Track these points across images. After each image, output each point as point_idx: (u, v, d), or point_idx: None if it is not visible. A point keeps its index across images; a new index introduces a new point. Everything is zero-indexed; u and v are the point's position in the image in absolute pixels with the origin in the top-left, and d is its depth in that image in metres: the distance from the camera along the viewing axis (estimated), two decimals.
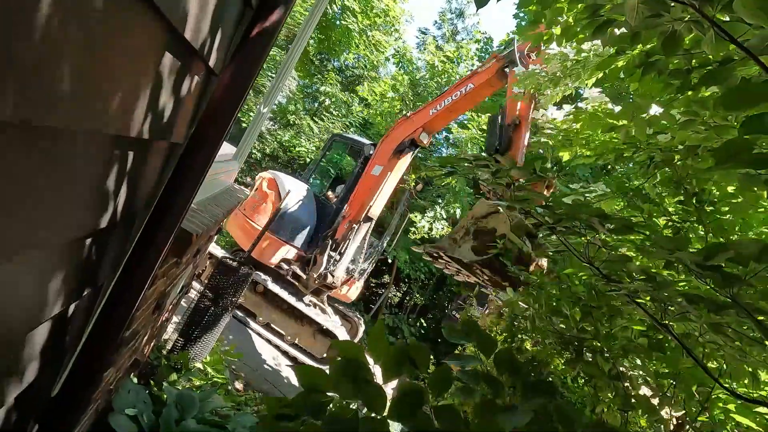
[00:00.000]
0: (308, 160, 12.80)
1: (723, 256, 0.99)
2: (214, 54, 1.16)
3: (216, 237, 4.80)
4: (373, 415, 0.84)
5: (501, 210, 2.62)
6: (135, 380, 2.33)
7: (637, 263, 1.56)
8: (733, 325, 1.13)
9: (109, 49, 0.69)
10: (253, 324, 5.79)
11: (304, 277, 5.85)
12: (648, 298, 1.40)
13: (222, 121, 1.31)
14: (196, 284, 4.57)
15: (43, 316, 0.95)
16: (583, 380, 3.24)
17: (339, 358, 0.87)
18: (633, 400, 1.90)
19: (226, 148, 3.10)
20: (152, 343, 2.86)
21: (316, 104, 15.32)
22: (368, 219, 5.99)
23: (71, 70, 0.62)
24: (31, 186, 0.68)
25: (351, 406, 0.90)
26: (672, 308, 1.36)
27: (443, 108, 5.16)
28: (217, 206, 2.19)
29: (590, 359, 2.74)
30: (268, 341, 5.67)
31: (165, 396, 2.33)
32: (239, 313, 5.75)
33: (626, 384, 2.42)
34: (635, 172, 3.34)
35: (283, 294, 5.77)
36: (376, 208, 6.00)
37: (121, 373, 1.97)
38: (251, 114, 11.76)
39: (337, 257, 5.75)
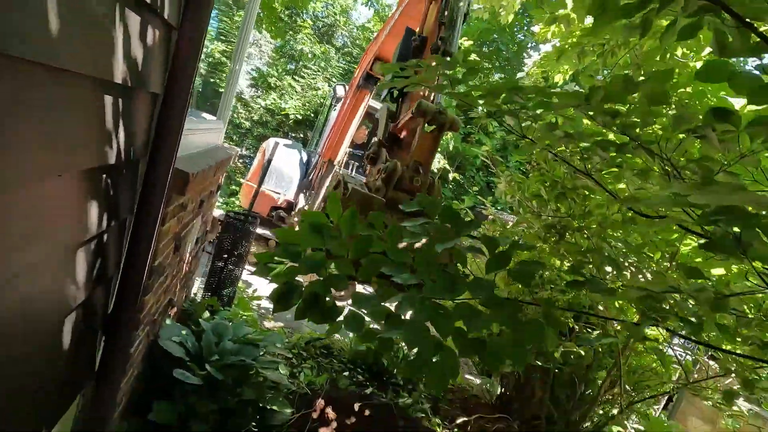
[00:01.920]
0: (299, 117, 12.83)
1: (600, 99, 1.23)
2: (167, 9, 1.38)
3: (225, 206, 5.09)
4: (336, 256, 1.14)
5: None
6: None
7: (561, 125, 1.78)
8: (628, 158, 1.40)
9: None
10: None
11: (288, 218, 6.38)
12: (571, 148, 1.65)
13: (188, 71, 1.54)
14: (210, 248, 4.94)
15: (84, 236, 1.24)
16: (567, 262, 3.59)
17: (306, 221, 1.16)
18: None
19: (210, 119, 3.31)
20: (184, 292, 3.26)
21: (294, 65, 15.08)
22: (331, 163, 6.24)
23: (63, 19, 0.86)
24: (52, 121, 0.94)
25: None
26: (593, 158, 1.62)
27: (388, 33, 5.04)
28: (208, 158, 2.45)
29: (572, 241, 3.06)
30: None
31: (202, 328, 2.73)
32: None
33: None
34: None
35: None
36: (341, 148, 6.23)
37: (160, 307, 2.34)
38: (224, 74, 11.69)
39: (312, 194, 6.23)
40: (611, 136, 1.58)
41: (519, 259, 1.63)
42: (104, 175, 1.30)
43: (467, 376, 5.28)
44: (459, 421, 3.65)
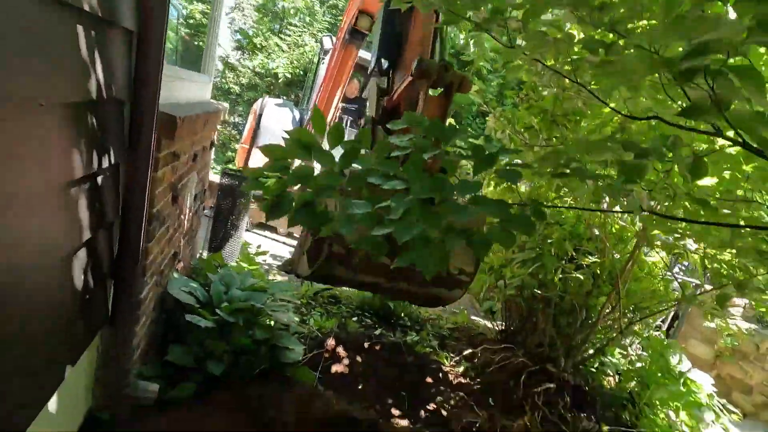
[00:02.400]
0: (288, 77, 12.51)
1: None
2: None
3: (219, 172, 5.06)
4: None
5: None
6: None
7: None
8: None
9: None
10: (276, 236, 6.36)
11: None
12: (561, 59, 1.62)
13: (160, 10, 1.50)
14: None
15: (76, 174, 1.26)
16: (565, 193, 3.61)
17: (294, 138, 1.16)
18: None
19: (194, 73, 3.23)
20: (189, 250, 3.32)
21: (279, 24, 14.51)
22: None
23: None
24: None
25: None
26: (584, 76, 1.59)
27: None
28: (196, 108, 2.42)
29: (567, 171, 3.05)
30: (294, 248, 6.27)
31: (210, 279, 2.81)
32: (261, 231, 6.29)
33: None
34: None
35: None
36: (332, 105, 6.10)
37: (166, 258, 2.40)
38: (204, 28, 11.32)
39: None
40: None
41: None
42: (89, 113, 1.29)
43: (473, 318, 5.45)
44: (466, 353, 3.81)
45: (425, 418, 2.87)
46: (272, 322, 2.67)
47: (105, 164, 1.45)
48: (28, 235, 1.09)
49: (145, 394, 1.93)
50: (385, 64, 2.53)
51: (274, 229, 6.46)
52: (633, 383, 3.84)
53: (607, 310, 3.50)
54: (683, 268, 5.73)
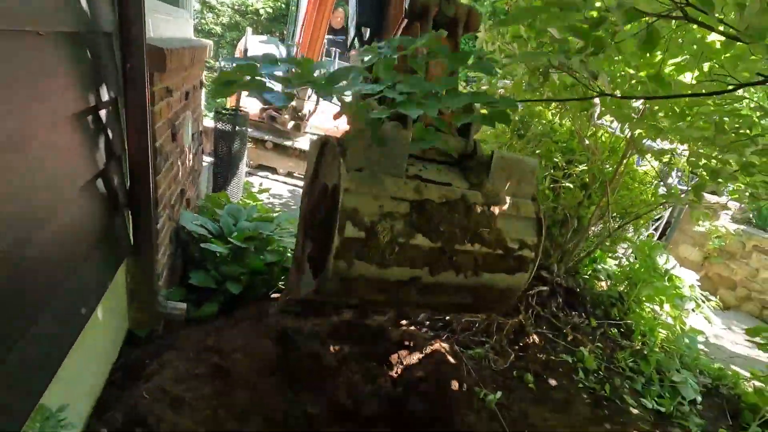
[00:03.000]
0: (270, 11, 11.90)
1: None
2: None
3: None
4: None
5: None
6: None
7: None
8: None
9: None
10: (276, 176, 6.46)
11: (279, 116, 6.30)
12: None
13: None
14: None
15: (78, 107, 1.34)
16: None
17: None
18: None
19: (172, 8, 3.14)
20: (194, 190, 3.45)
21: None
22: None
23: None
24: None
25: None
26: None
27: None
28: (182, 42, 2.42)
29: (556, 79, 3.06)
30: (295, 186, 6.39)
31: (218, 214, 2.97)
32: (261, 172, 6.38)
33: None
34: None
35: (288, 142, 6.29)
36: (318, 43, 5.90)
37: (174, 194, 2.54)
38: None
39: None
40: None
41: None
42: (83, 44, 1.35)
43: None
44: None
45: (429, 323, 3.16)
46: (281, 248, 2.86)
47: (105, 98, 1.53)
48: (48, 167, 1.20)
49: (174, 311, 2.16)
50: (366, 33, 2.08)
51: (273, 170, 6.55)
52: (623, 286, 4.12)
53: (598, 216, 3.68)
54: (679, 175, 5.86)
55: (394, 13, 1.77)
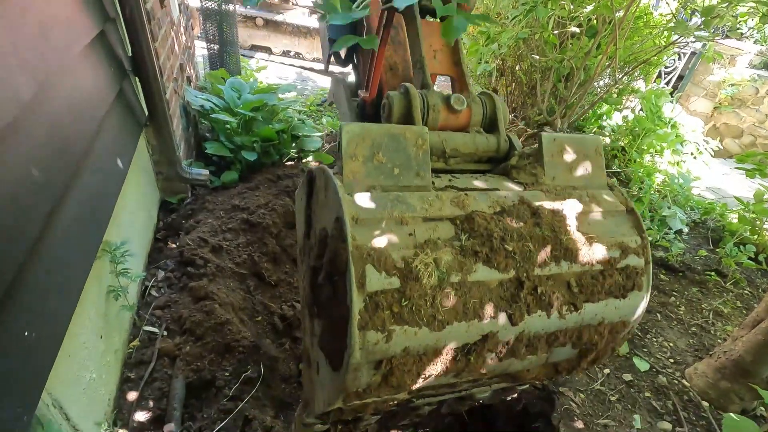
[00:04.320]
0: None
1: None
2: None
3: None
4: None
5: None
6: None
7: None
8: None
9: None
10: (272, 57, 6.21)
11: None
12: None
13: None
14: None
15: None
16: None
17: None
18: None
19: None
20: (192, 68, 3.41)
21: None
22: None
23: None
24: None
25: None
26: None
27: None
28: None
29: None
30: (292, 65, 6.18)
31: (220, 90, 2.99)
32: (257, 54, 6.12)
33: None
34: None
35: (279, 17, 5.90)
36: None
37: (175, 66, 2.55)
38: None
39: None
40: None
41: None
42: None
43: None
44: None
45: None
46: (288, 117, 2.93)
47: None
48: (45, 25, 1.23)
49: (199, 177, 2.34)
50: (343, 52, 1.80)
51: (268, 51, 6.27)
52: (626, 140, 4.18)
53: (604, 63, 3.58)
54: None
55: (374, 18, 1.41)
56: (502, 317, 0.83)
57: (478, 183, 0.97)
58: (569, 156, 1.00)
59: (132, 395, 1.49)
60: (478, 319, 0.80)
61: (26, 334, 0.90)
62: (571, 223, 0.91)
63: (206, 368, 1.61)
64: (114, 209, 1.53)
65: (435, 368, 0.82)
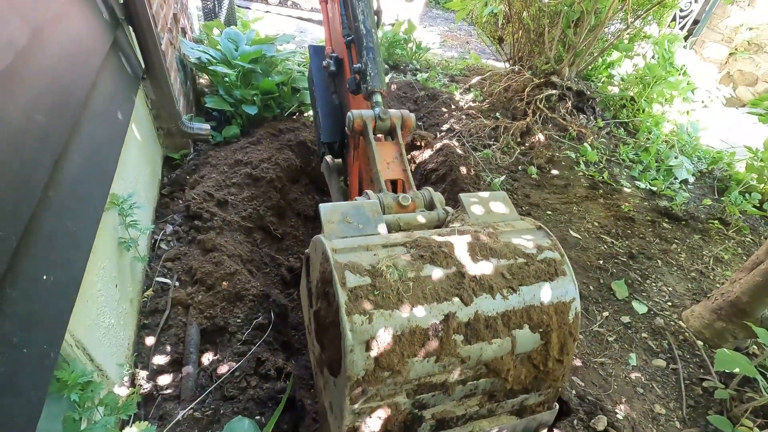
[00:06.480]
0: None
1: None
2: None
3: None
4: None
5: None
6: None
7: None
8: None
9: None
10: (269, 6, 5.97)
11: None
12: None
13: None
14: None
15: None
16: None
17: None
18: None
19: None
20: (186, 19, 3.30)
21: None
22: None
23: None
24: None
25: None
26: None
27: None
28: None
29: None
30: (290, 17, 5.94)
31: (216, 41, 2.90)
32: (252, 4, 5.87)
33: None
34: None
35: None
36: None
37: (169, 15, 2.46)
38: None
39: None
40: None
41: None
42: None
43: (485, 61, 5.44)
44: (473, 81, 4.01)
45: (440, 136, 3.31)
46: (287, 70, 2.86)
47: None
48: None
49: (201, 132, 2.32)
50: (336, 144, 2.16)
51: (264, 1, 6.01)
52: (636, 89, 4.05)
53: (616, 10, 3.42)
54: None
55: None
56: (456, 300, 1.05)
57: (424, 228, 1.33)
58: (486, 203, 1.36)
59: (150, 340, 1.56)
60: (436, 302, 1.03)
61: (44, 278, 0.93)
62: (495, 237, 1.20)
63: (219, 315, 1.67)
64: (118, 163, 1.53)
65: (414, 348, 1.01)
